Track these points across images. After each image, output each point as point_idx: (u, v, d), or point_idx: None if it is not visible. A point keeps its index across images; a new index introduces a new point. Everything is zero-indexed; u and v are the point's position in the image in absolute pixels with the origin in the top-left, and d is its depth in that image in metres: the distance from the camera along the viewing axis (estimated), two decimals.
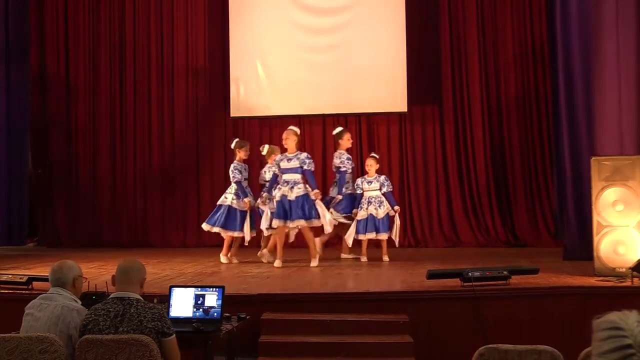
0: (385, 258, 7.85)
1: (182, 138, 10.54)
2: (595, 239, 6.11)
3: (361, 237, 7.86)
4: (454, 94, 10.07)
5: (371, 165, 8.02)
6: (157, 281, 6.27)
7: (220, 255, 7.90)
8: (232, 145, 8.31)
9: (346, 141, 8.28)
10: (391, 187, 8.09)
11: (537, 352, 2.84)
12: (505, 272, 5.59)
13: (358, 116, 10.22)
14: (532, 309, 5.47)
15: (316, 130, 10.34)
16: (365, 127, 10.24)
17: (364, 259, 7.84)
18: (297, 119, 10.28)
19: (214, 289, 4.33)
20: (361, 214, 7.86)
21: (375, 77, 9.91)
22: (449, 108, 10.07)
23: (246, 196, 7.90)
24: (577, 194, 7.21)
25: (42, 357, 3.28)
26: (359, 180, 8.08)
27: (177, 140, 10.56)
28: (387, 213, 7.90)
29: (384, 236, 7.85)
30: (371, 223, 7.80)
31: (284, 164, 7.55)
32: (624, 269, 5.81)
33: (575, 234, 7.26)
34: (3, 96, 9.87)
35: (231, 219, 7.86)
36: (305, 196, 7.38)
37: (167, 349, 3.43)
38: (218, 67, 10.49)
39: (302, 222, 7.34)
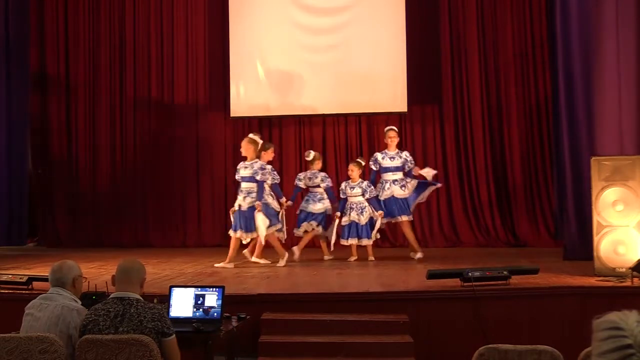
0: (371, 258, 7.86)
1: (182, 138, 10.54)
2: (595, 239, 6.11)
3: (343, 242, 7.92)
4: (454, 94, 10.07)
5: (353, 170, 8.00)
6: (157, 281, 6.27)
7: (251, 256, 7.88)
8: (263, 145, 8.15)
9: (387, 139, 8.21)
10: (374, 192, 8.00)
11: (537, 352, 2.84)
12: (505, 272, 5.59)
13: (358, 116, 10.23)
14: (532, 309, 5.47)
15: (316, 130, 10.35)
16: (365, 127, 10.24)
17: (353, 258, 7.86)
18: (297, 119, 10.31)
19: (214, 289, 4.33)
20: (344, 220, 7.88)
21: (375, 77, 9.91)
22: (449, 108, 10.07)
23: (281, 197, 7.96)
24: (577, 194, 7.21)
25: (42, 357, 3.28)
26: (342, 185, 8.10)
27: (177, 140, 10.56)
28: (371, 218, 7.89)
29: (366, 242, 7.86)
30: (354, 229, 7.82)
31: (242, 172, 7.67)
32: (624, 269, 5.81)
33: (575, 234, 7.26)
34: (3, 96, 9.86)
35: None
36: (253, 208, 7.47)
37: (167, 349, 3.42)
38: (218, 67, 10.49)
39: (239, 234, 7.50)
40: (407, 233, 8.10)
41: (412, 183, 8.04)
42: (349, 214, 7.87)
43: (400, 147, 10.10)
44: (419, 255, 7.89)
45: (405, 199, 7.98)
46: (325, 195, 8.11)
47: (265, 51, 10.24)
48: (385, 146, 8.28)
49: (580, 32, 7.27)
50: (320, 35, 10.13)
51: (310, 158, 8.27)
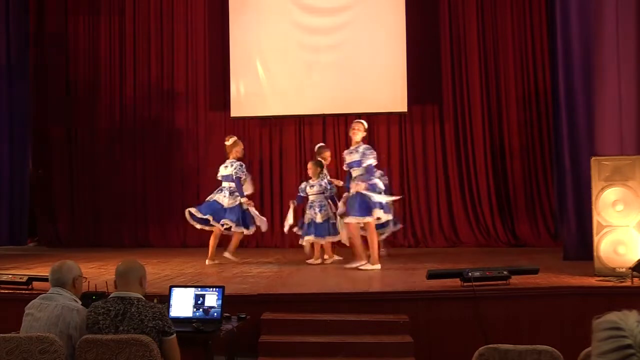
0: (326, 257, 7.81)
1: (182, 138, 10.55)
2: (595, 239, 6.11)
3: (300, 241, 7.85)
4: (454, 94, 10.08)
5: (310, 168, 7.97)
6: (157, 281, 6.27)
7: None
8: (315, 149, 8.41)
9: (350, 131, 7.54)
10: (334, 190, 7.93)
11: (537, 352, 2.83)
12: (505, 272, 5.59)
13: (358, 116, 10.18)
14: (532, 309, 5.46)
15: (316, 130, 10.35)
16: None
17: (312, 260, 7.77)
18: (297, 119, 10.31)
19: (214, 289, 4.33)
20: (306, 218, 7.83)
21: (375, 77, 9.92)
22: (449, 108, 10.08)
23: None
24: (577, 194, 7.21)
25: (42, 357, 3.28)
26: (303, 184, 8.06)
27: (177, 140, 10.57)
28: (329, 217, 7.74)
29: (321, 241, 7.73)
30: (312, 227, 7.73)
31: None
32: (624, 269, 5.81)
33: (575, 234, 7.26)
34: (5, 97, 9.89)
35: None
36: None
37: (168, 348, 3.43)
38: (218, 67, 10.50)
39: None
40: (351, 235, 7.30)
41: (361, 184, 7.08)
42: (308, 212, 7.83)
43: (401, 147, 10.16)
44: (356, 264, 7.17)
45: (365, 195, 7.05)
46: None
47: (265, 51, 10.25)
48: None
49: (580, 32, 7.28)
50: (320, 35, 10.13)
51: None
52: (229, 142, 8.11)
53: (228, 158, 8.03)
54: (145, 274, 3.66)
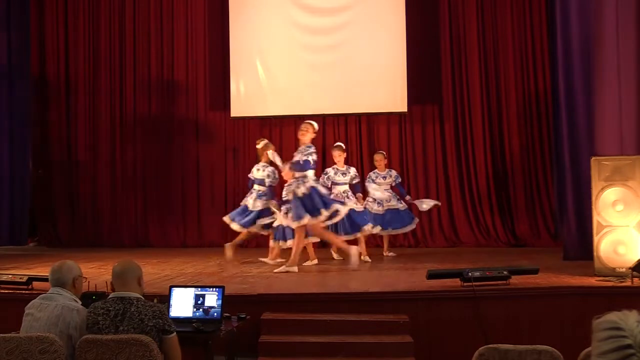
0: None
1: (182, 138, 10.55)
2: (595, 239, 6.11)
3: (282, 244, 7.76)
4: (454, 94, 10.08)
5: (283, 170, 7.93)
6: (157, 281, 6.27)
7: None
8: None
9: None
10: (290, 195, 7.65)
11: (537, 352, 2.83)
12: (505, 272, 5.59)
13: (358, 116, 10.23)
14: (532, 309, 5.46)
15: None
16: (365, 127, 10.25)
17: (308, 263, 7.72)
18: (297, 119, 10.29)
19: (214, 289, 4.33)
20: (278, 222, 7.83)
21: (375, 77, 9.92)
22: (449, 108, 10.08)
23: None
24: (577, 194, 7.21)
25: (42, 357, 3.27)
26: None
27: (177, 140, 10.56)
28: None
29: (284, 245, 7.67)
30: (281, 231, 7.70)
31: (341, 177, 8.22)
32: (624, 269, 5.81)
33: (575, 234, 7.26)
34: (5, 98, 9.90)
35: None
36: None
37: (169, 347, 3.42)
38: (218, 67, 10.50)
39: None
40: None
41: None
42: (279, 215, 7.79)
43: (401, 147, 10.16)
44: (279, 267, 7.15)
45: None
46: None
47: (265, 51, 10.25)
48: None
49: (580, 32, 7.27)
50: (320, 35, 10.13)
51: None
52: (259, 145, 8.14)
53: (260, 161, 8.09)
54: (142, 274, 3.65)
